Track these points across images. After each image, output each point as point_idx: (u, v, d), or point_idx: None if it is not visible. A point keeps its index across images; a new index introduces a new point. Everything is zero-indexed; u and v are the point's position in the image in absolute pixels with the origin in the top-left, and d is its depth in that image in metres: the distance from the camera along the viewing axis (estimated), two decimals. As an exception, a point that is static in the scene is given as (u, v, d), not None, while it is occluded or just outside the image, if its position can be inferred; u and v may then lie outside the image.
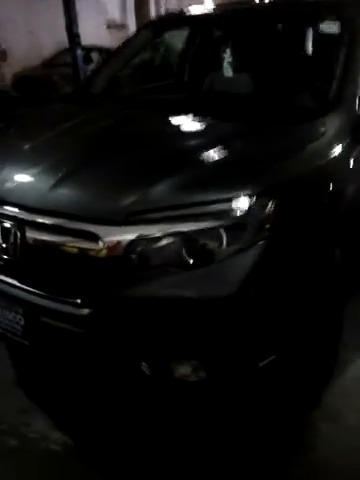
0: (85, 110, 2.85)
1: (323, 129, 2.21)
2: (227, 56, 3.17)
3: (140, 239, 1.81)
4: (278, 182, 1.90)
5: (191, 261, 1.80)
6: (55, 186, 1.99)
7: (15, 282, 2.02)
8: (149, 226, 1.82)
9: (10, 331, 2.07)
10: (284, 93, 2.61)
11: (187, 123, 2.48)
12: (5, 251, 2.03)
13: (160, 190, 1.87)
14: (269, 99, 2.59)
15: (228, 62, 3.16)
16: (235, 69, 3.13)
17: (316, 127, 2.22)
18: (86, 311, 1.86)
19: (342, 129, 2.25)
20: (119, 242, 1.82)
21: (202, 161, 2.00)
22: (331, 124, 2.25)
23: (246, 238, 1.81)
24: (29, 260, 1.99)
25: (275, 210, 1.84)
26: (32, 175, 2.11)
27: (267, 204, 1.83)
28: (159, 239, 1.81)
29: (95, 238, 1.83)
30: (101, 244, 1.83)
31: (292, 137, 2.14)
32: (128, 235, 1.82)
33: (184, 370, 1.94)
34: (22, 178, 2.13)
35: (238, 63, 3.15)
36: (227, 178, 1.90)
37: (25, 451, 2.16)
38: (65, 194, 1.98)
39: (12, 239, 1.99)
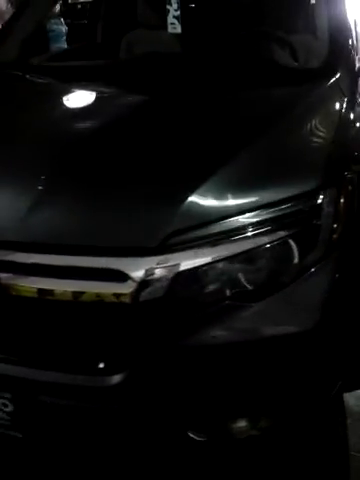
0: (17, 89, 2.11)
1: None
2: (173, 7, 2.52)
3: (185, 270, 1.28)
4: (344, 166, 1.47)
5: (257, 288, 1.32)
6: (40, 208, 1.34)
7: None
8: (195, 250, 1.28)
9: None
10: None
11: (190, 100, 1.83)
12: None
13: (202, 198, 1.32)
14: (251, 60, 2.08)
15: (175, 16, 2.53)
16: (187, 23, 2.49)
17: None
18: (116, 379, 1.29)
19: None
20: (156, 278, 1.26)
21: (244, 152, 1.45)
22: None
23: (322, 246, 1.36)
24: (11, 320, 1.35)
25: (346, 204, 1.42)
26: (9, 193, 1.42)
27: (338, 197, 1.40)
28: (212, 265, 1.29)
29: (119, 277, 1.26)
30: (130, 284, 1.26)
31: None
32: (168, 266, 1.27)
33: (243, 425, 1.47)
34: None
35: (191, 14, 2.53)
36: (286, 170, 1.41)
37: None
38: (62, 218, 1.35)
39: None
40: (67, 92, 2.04)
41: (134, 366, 1.29)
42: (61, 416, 1.37)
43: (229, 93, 1.84)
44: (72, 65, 2.34)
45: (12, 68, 2.32)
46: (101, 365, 1.30)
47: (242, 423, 1.45)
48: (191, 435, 1.41)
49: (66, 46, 5.19)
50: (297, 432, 1.56)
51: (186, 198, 1.31)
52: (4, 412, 1.39)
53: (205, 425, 1.41)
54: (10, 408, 1.37)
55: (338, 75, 1.86)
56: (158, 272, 1.26)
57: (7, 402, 1.36)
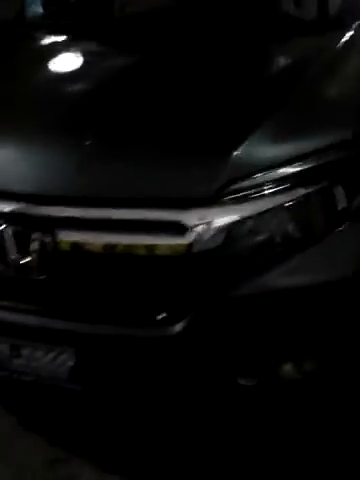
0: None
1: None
2: None
3: (241, 219, 1.32)
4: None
5: (306, 237, 1.37)
6: (94, 162, 1.38)
7: (48, 310, 1.42)
8: (250, 199, 1.32)
9: (48, 377, 1.48)
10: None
11: (221, 52, 1.85)
12: (24, 269, 1.41)
13: (255, 148, 1.37)
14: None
15: None
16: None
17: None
18: (178, 327, 1.34)
19: None
20: (212, 228, 1.30)
21: (288, 100, 1.50)
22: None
23: None
24: (72, 276, 1.40)
25: None
26: (51, 150, 1.45)
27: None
28: (265, 214, 1.33)
29: (177, 228, 1.31)
30: (188, 235, 1.30)
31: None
32: (224, 216, 1.32)
33: (290, 368, 1.54)
34: (35, 156, 1.47)
35: None
36: (329, 117, 1.46)
37: None
38: (116, 171, 1.38)
39: (36, 249, 1.38)
40: (93, 49, 2.05)
41: (192, 315, 1.35)
42: (122, 367, 1.43)
43: (254, 44, 1.87)
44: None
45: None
46: (161, 316, 1.36)
47: (289, 366, 1.53)
48: (241, 381, 1.49)
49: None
50: (340, 377, 1.64)
51: (240, 147, 1.36)
52: (64, 367, 1.45)
53: (255, 370, 1.48)
54: (72, 362, 1.43)
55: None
56: (214, 222, 1.31)
57: (70, 356, 1.42)
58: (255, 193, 1.33)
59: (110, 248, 1.35)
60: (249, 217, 1.32)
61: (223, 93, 1.59)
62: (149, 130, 1.46)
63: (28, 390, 1.74)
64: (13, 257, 1.40)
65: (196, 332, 1.36)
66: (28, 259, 1.38)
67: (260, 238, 1.36)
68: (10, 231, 1.39)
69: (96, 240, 1.35)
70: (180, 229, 1.30)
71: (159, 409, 1.64)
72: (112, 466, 1.75)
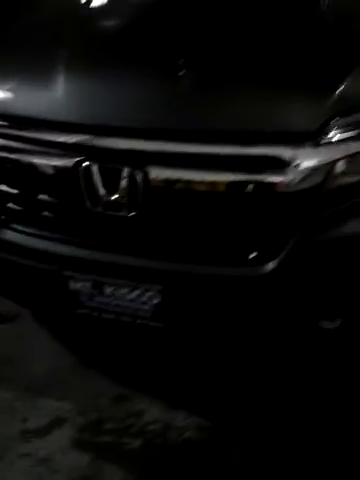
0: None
1: None
2: None
3: (345, 156, 1.28)
4: None
5: None
6: (193, 94, 1.35)
7: (137, 248, 1.41)
8: (355, 137, 1.28)
9: (130, 314, 1.49)
10: None
11: None
12: (113, 206, 1.39)
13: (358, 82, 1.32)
14: None
15: None
16: None
17: None
18: (269, 267, 1.34)
19: None
20: (315, 165, 1.27)
21: None
22: None
23: None
24: (158, 214, 1.38)
25: None
26: (148, 82, 1.41)
27: None
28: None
29: (277, 164, 1.28)
30: (289, 171, 1.27)
31: None
32: (326, 154, 1.28)
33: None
34: (130, 88, 1.42)
35: None
36: None
37: (153, 446, 1.67)
38: (217, 104, 1.34)
39: (125, 186, 1.35)
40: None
41: (284, 255, 1.35)
42: (208, 305, 1.43)
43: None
44: None
45: None
46: (253, 255, 1.36)
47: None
48: (324, 324, 1.49)
49: None
50: None
51: (343, 83, 1.33)
52: (148, 305, 1.45)
53: (340, 312, 1.48)
54: (156, 300, 1.43)
55: None
56: (315, 159, 1.29)
57: (155, 294, 1.42)
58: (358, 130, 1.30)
59: (205, 185, 1.33)
60: (352, 155, 1.30)
61: (326, 28, 1.54)
62: (252, 63, 1.42)
63: (99, 329, 1.76)
64: (102, 194, 1.38)
65: (287, 272, 1.36)
66: (117, 196, 1.37)
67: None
68: (98, 167, 1.37)
69: (191, 177, 1.33)
70: (279, 165, 1.28)
71: (236, 347, 1.65)
72: (177, 403, 1.80)
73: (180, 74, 1.41)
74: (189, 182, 1.33)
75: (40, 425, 1.75)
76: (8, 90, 1.57)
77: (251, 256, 1.36)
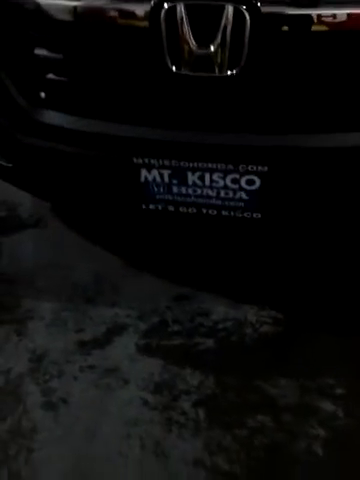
0: None
1: None
2: None
3: None
4: None
5: None
6: None
7: (235, 121, 1.14)
8: None
9: (217, 206, 1.26)
10: None
11: None
12: (205, 63, 1.07)
13: None
14: None
15: None
16: None
17: None
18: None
19: None
20: None
21: None
22: None
23: None
24: (268, 69, 1.09)
25: None
26: None
27: None
28: None
29: None
30: None
31: None
32: None
33: None
34: None
35: None
36: None
37: (228, 344, 1.50)
38: None
39: (226, 32, 1.03)
40: None
41: None
42: (322, 183, 1.21)
43: None
44: None
45: None
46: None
47: None
48: None
49: None
50: None
51: None
52: (243, 192, 1.22)
53: None
54: (255, 186, 1.20)
55: None
56: None
57: (255, 178, 1.19)
58: None
59: (330, 27, 1.03)
60: None
61: None
62: None
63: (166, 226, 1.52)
64: (192, 46, 1.06)
65: None
66: (213, 48, 1.06)
67: None
68: (184, 7, 1.04)
69: (321, 16, 1.02)
70: None
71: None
72: (244, 299, 1.65)
73: None
74: (314, 25, 1.02)
75: (98, 335, 1.56)
76: None
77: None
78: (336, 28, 1.03)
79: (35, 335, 1.55)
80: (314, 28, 1.03)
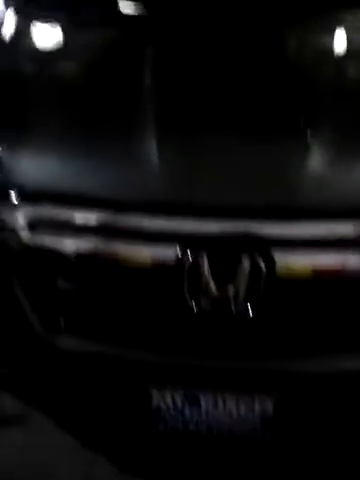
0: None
1: None
2: None
3: None
4: None
5: None
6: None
7: (250, 350, 1.20)
8: None
9: (229, 430, 1.25)
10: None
11: None
12: (223, 303, 1.16)
13: None
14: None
15: None
16: None
17: None
18: None
19: None
20: None
21: None
22: None
23: None
24: (284, 308, 1.18)
25: None
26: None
27: None
28: None
29: None
30: None
31: None
32: None
33: None
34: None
35: None
36: None
37: None
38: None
39: (244, 278, 1.15)
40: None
41: None
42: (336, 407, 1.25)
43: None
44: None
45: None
46: None
47: None
48: None
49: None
50: None
51: None
52: (256, 417, 1.23)
53: None
54: (268, 410, 1.22)
55: None
56: None
57: (268, 403, 1.21)
58: None
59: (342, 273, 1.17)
60: None
61: None
62: None
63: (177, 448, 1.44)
64: (212, 290, 1.16)
65: None
66: (230, 293, 1.16)
67: None
68: (207, 256, 1.16)
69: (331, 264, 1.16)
70: None
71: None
72: None
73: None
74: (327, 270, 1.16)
75: None
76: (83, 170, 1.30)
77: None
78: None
79: None
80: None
